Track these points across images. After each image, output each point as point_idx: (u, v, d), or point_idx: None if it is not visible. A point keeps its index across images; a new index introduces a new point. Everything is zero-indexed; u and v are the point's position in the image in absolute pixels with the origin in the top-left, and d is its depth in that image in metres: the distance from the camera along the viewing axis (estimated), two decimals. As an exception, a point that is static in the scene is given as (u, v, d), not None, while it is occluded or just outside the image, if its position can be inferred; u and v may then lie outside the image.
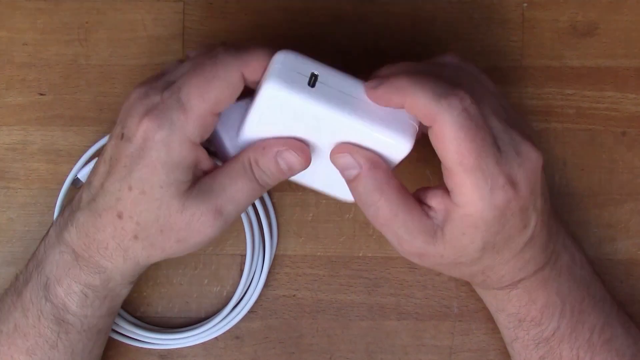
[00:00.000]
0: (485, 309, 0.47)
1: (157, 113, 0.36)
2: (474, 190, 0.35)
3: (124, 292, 0.42)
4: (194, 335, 0.46)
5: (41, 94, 0.47)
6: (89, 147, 0.46)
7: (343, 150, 0.37)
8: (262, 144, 0.38)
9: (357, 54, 0.47)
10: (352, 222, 0.47)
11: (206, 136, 0.38)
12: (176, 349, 0.47)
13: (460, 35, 0.47)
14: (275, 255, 0.47)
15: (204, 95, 0.36)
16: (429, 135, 0.36)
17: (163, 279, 0.47)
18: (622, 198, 0.47)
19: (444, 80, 0.35)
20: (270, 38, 0.47)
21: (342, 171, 0.38)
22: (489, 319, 0.47)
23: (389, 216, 0.37)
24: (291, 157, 0.38)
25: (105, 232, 0.39)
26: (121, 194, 0.38)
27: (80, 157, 0.46)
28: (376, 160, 0.37)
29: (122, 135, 0.38)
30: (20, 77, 0.47)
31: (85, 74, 0.47)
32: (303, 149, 0.38)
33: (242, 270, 0.47)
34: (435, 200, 0.37)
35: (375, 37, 0.47)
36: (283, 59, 0.36)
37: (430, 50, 0.47)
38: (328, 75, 0.36)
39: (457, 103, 0.34)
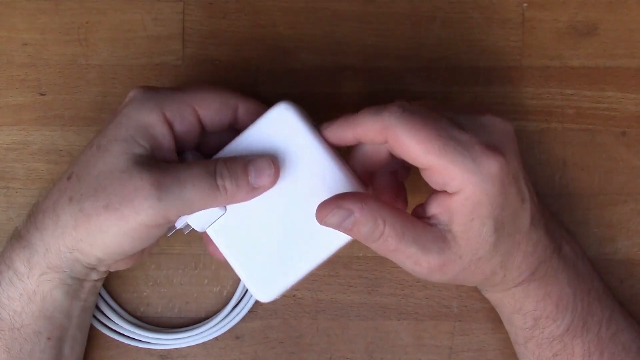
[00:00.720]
0: (485, 309, 0.47)
1: (149, 87, 0.39)
2: (458, 168, 0.35)
3: (58, 295, 0.40)
4: (194, 335, 0.46)
5: (41, 94, 0.47)
6: (89, 147, 0.46)
7: (330, 205, 0.36)
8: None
9: (357, 53, 0.47)
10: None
11: (178, 127, 0.39)
12: (176, 349, 0.47)
13: (460, 35, 0.47)
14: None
15: (196, 90, 0.39)
16: (393, 152, 0.36)
17: (163, 279, 0.47)
18: (622, 198, 0.47)
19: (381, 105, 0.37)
20: (270, 38, 0.47)
21: (338, 227, 0.36)
22: (489, 319, 0.47)
23: (397, 240, 0.36)
24: (264, 164, 0.37)
25: (51, 198, 0.39)
26: (81, 155, 0.39)
27: (80, 157, 0.46)
28: (362, 195, 0.37)
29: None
30: (20, 77, 0.47)
31: (85, 74, 0.47)
32: (275, 163, 0.38)
33: (242, 270, 0.47)
34: (433, 207, 0.37)
35: (375, 37, 0.47)
36: (288, 104, 0.38)
37: (430, 50, 0.47)
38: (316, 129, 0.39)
39: (396, 108, 0.36)
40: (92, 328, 0.46)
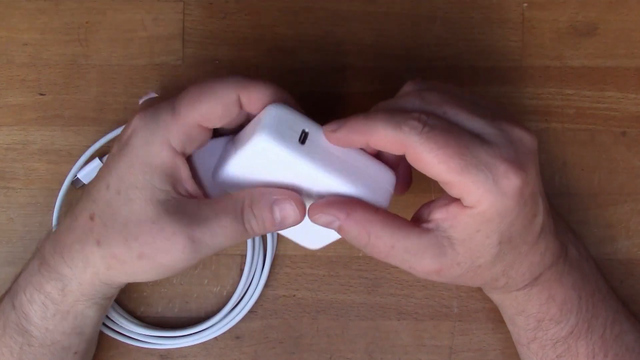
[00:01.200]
0: (485, 309, 0.47)
1: (149, 113, 0.37)
2: (478, 187, 0.34)
3: (90, 313, 0.40)
4: (194, 335, 0.46)
5: (41, 94, 0.47)
6: (89, 147, 0.46)
7: (317, 210, 0.36)
8: (260, 190, 0.38)
9: (357, 53, 0.47)
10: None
11: (189, 150, 0.38)
12: (176, 348, 0.47)
13: (460, 35, 0.47)
14: (275, 255, 0.47)
15: (195, 104, 0.37)
16: (409, 161, 0.35)
17: (163, 279, 0.47)
18: (622, 198, 0.47)
19: (398, 109, 0.35)
20: (270, 38, 0.47)
21: (327, 227, 0.37)
22: (489, 319, 0.47)
23: (387, 249, 0.36)
24: (288, 208, 0.37)
25: (74, 234, 0.38)
26: (98, 195, 0.38)
27: (80, 157, 0.46)
28: (352, 203, 0.36)
29: (119, 138, 0.38)
30: (20, 77, 0.47)
31: (85, 74, 0.47)
32: (301, 203, 0.37)
33: (242, 270, 0.47)
34: (438, 212, 0.36)
35: (375, 37, 0.47)
36: (276, 113, 0.36)
37: (430, 50, 0.47)
38: (317, 134, 0.37)
39: (416, 123, 0.34)
40: (92, 328, 0.46)
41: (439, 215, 0.36)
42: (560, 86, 0.47)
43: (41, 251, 0.40)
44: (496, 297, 0.43)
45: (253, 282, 0.47)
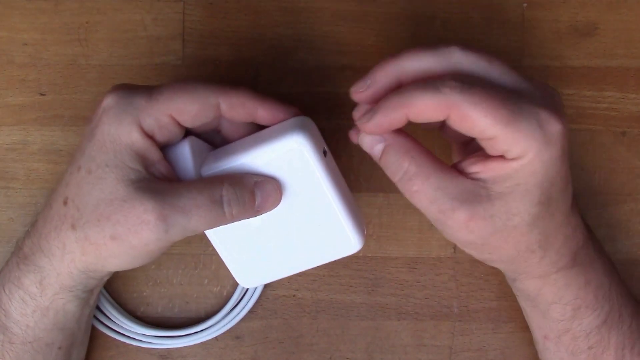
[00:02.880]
0: (485, 309, 0.47)
1: (121, 93, 0.38)
2: (525, 135, 0.33)
3: (71, 308, 0.40)
4: (194, 335, 0.46)
5: (41, 94, 0.47)
6: (89, 147, 0.46)
7: (364, 127, 0.36)
8: (240, 173, 0.37)
9: (357, 53, 0.47)
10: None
11: (157, 137, 0.37)
12: (176, 348, 0.47)
13: (459, 35, 0.47)
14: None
15: (173, 96, 0.37)
16: (450, 125, 0.34)
17: (163, 279, 0.47)
18: (622, 198, 0.47)
19: (429, 79, 0.35)
20: (270, 38, 0.47)
21: (371, 150, 0.36)
22: (489, 319, 0.47)
23: (421, 180, 0.35)
24: (270, 189, 0.37)
25: (51, 223, 0.38)
26: (70, 178, 0.38)
27: (80, 157, 0.46)
28: (400, 132, 0.36)
29: (90, 119, 0.39)
30: (20, 77, 0.47)
31: (85, 74, 0.47)
32: (279, 187, 0.37)
33: (242, 270, 0.47)
34: (476, 166, 0.35)
35: (375, 37, 0.47)
36: (309, 124, 0.38)
37: (430, 50, 0.47)
38: (331, 158, 0.39)
39: (455, 83, 0.33)
40: (92, 328, 0.46)
41: (478, 168, 0.35)
42: (560, 86, 0.47)
43: (20, 246, 0.40)
44: (532, 285, 0.40)
45: (253, 282, 0.47)
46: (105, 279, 0.41)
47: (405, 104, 0.34)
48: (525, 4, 0.47)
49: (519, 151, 0.34)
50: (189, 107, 0.37)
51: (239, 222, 0.38)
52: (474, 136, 0.34)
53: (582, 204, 0.47)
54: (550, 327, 0.41)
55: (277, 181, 0.37)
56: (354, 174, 0.47)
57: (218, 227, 0.38)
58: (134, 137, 0.37)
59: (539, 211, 0.35)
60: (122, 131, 0.37)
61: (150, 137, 0.37)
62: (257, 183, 0.37)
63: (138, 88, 0.38)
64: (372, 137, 0.36)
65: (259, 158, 0.37)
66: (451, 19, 0.47)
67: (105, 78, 0.47)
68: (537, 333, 0.43)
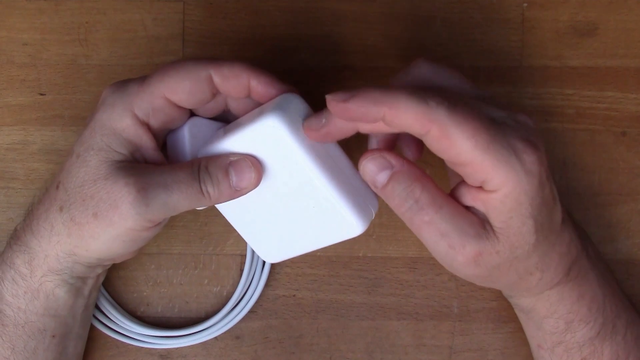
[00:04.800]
0: (485, 309, 0.47)
1: (118, 84, 0.39)
2: (503, 165, 0.32)
3: (61, 293, 0.40)
4: (194, 335, 0.46)
5: (41, 94, 0.47)
6: (89, 147, 0.46)
7: (371, 153, 0.35)
8: (219, 154, 0.37)
9: (357, 53, 0.47)
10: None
11: (154, 122, 0.38)
12: (176, 348, 0.47)
13: (460, 35, 0.47)
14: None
15: (164, 77, 0.37)
16: (428, 142, 0.33)
17: (163, 279, 0.47)
18: (622, 198, 0.47)
19: (416, 88, 0.34)
20: (270, 38, 0.47)
21: (374, 177, 0.35)
22: (489, 319, 0.47)
23: (434, 211, 0.34)
24: (244, 167, 0.36)
25: (43, 205, 0.39)
26: (65, 164, 0.39)
27: (80, 157, 0.46)
28: (406, 160, 0.35)
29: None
30: (20, 77, 0.47)
31: (85, 74, 0.47)
32: (257, 166, 0.36)
33: (242, 270, 0.47)
34: (467, 199, 0.35)
35: (375, 37, 0.47)
36: (292, 100, 0.37)
37: (430, 51, 0.47)
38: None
39: (440, 99, 0.32)
40: (92, 328, 0.46)
41: (471, 202, 0.35)
42: (560, 86, 0.47)
43: (16, 229, 0.41)
44: (526, 301, 0.41)
45: (253, 282, 0.47)
46: (99, 270, 0.41)
47: (388, 103, 0.32)
48: (525, 4, 0.47)
49: (498, 182, 0.33)
50: (181, 85, 0.37)
51: (246, 201, 0.38)
52: (446, 158, 0.34)
53: (582, 204, 0.47)
54: (544, 338, 0.42)
55: (255, 160, 0.36)
56: (354, 174, 0.47)
57: (230, 205, 0.39)
58: (125, 124, 0.37)
59: (537, 239, 0.35)
60: (113, 117, 0.37)
61: (144, 123, 0.38)
62: (231, 162, 0.37)
63: (133, 78, 0.39)
64: (378, 162, 0.35)
65: (240, 140, 0.37)
66: (451, 19, 0.47)
67: (105, 78, 0.47)
68: (532, 342, 0.43)
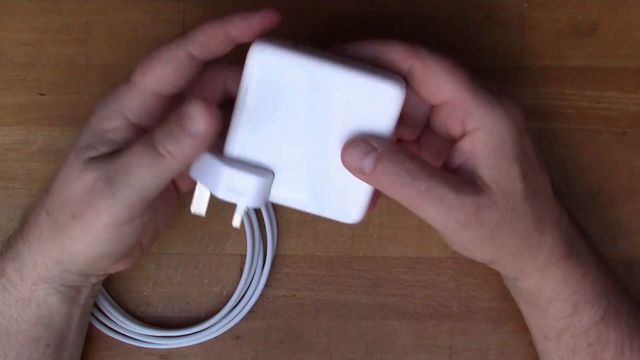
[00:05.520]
0: (485, 309, 0.47)
1: (110, 89, 0.37)
2: (481, 100, 0.35)
3: (53, 302, 0.39)
4: (194, 335, 0.46)
5: (41, 94, 0.47)
6: (89, 147, 0.46)
7: (351, 142, 0.35)
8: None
9: (357, 54, 0.47)
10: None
11: (149, 120, 0.36)
12: (176, 348, 0.47)
13: (460, 35, 0.47)
14: (275, 255, 0.47)
15: (146, 71, 0.35)
16: (412, 80, 0.37)
17: (163, 279, 0.47)
18: (622, 198, 0.47)
19: None
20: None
21: (360, 164, 0.35)
22: (489, 319, 0.47)
23: (428, 177, 0.34)
24: (194, 110, 0.33)
25: (34, 211, 0.39)
26: (57, 171, 0.38)
27: (80, 157, 0.46)
28: (384, 139, 0.35)
29: None
30: (20, 77, 0.47)
31: (85, 74, 0.47)
32: (208, 101, 0.33)
33: (242, 270, 0.47)
34: (455, 158, 0.36)
35: (375, 37, 0.47)
36: (263, 39, 0.35)
37: (430, 50, 0.47)
38: (308, 47, 0.37)
39: (427, 50, 0.37)
40: (92, 328, 0.46)
41: (459, 160, 0.36)
42: (560, 86, 0.47)
43: (10, 236, 0.41)
44: (533, 282, 0.40)
45: (253, 282, 0.47)
46: (93, 280, 0.41)
47: (380, 43, 0.37)
48: (525, 4, 0.47)
49: (478, 117, 0.35)
50: (165, 72, 0.35)
51: (292, 166, 0.36)
52: (428, 97, 0.36)
53: (582, 204, 0.47)
54: (550, 326, 0.41)
55: (203, 97, 0.33)
56: (354, 174, 0.47)
57: (281, 188, 0.36)
58: (114, 124, 0.36)
59: (526, 186, 0.36)
60: (102, 119, 0.36)
61: (135, 125, 0.36)
62: (181, 111, 0.33)
63: (121, 82, 0.37)
64: (361, 148, 0.35)
65: (245, 94, 0.35)
66: (451, 19, 0.47)
67: (105, 78, 0.47)
68: (537, 333, 0.43)
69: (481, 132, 0.36)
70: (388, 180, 0.34)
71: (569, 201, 0.47)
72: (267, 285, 0.47)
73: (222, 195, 0.35)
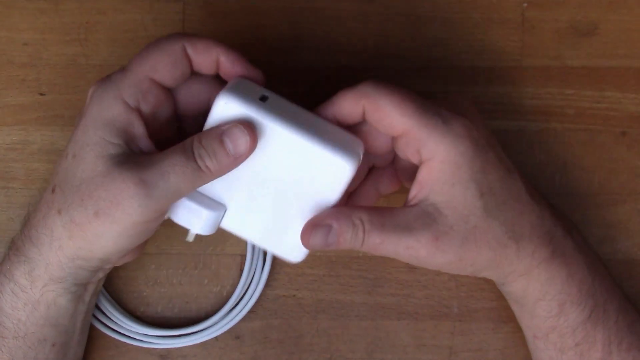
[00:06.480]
0: (485, 309, 0.47)
1: (104, 78, 0.39)
2: (431, 129, 0.36)
3: (63, 302, 0.39)
4: (194, 335, 0.46)
5: (41, 94, 0.47)
6: (89, 147, 0.46)
7: (308, 230, 0.38)
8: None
9: (357, 54, 0.47)
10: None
11: (144, 107, 0.38)
12: (176, 348, 0.47)
13: (460, 35, 0.47)
14: (275, 255, 0.47)
15: (142, 58, 0.38)
16: (368, 119, 0.38)
17: (163, 279, 0.47)
18: (622, 198, 0.47)
19: None
20: (270, 38, 0.47)
21: (326, 244, 0.37)
22: (489, 319, 0.47)
23: (379, 231, 0.37)
24: (238, 133, 0.36)
25: (40, 212, 0.38)
26: (59, 166, 0.38)
27: (80, 157, 0.46)
28: (334, 209, 0.38)
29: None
30: (20, 77, 0.47)
31: (85, 74, 0.47)
32: (250, 129, 0.36)
33: (242, 270, 0.47)
34: (413, 190, 0.38)
35: (375, 37, 0.47)
36: (236, 82, 0.38)
37: (430, 50, 0.47)
38: (277, 99, 0.38)
39: (369, 80, 0.38)
40: (92, 328, 0.46)
41: (414, 190, 0.37)
42: (560, 86, 0.47)
43: (14, 239, 0.40)
44: (519, 286, 0.40)
45: (253, 282, 0.47)
46: (100, 275, 0.41)
47: (330, 106, 0.39)
48: (525, 4, 0.47)
49: (431, 147, 0.36)
50: (160, 61, 0.38)
51: (244, 204, 0.39)
52: (384, 130, 0.38)
53: (582, 204, 0.47)
54: (538, 326, 0.42)
55: (247, 124, 0.36)
56: (354, 174, 0.47)
57: (233, 220, 0.39)
58: (116, 111, 0.37)
59: (487, 202, 0.37)
60: (103, 108, 0.37)
61: (135, 110, 0.38)
62: (224, 130, 0.36)
63: (116, 71, 0.39)
64: (320, 233, 0.37)
65: (207, 126, 0.38)
66: (451, 19, 0.47)
67: (105, 78, 0.47)
68: (527, 333, 0.43)
69: (435, 161, 0.37)
70: (351, 245, 0.37)
71: (569, 201, 0.47)
72: (267, 285, 0.47)
73: (177, 220, 0.39)
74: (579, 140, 0.47)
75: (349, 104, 0.38)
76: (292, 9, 0.47)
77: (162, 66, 0.38)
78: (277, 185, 0.38)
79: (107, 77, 0.39)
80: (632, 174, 0.47)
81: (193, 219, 0.39)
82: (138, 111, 0.38)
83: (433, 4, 0.47)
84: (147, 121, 0.38)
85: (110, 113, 0.37)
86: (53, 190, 0.38)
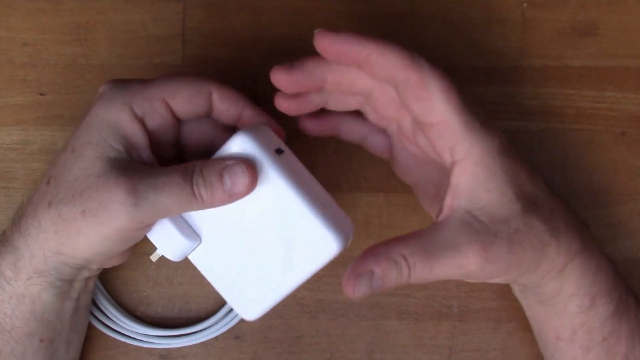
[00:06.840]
0: (485, 309, 0.47)
1: (118, 80, 0.39)
2: (471, 128, 0.35)
3: (47, 297, 0.39)
4: (194, 335, 0.46)
5: (41, 94, 0.47)
6: (89, 147, 0.46)
7: (351, 280, 0.35)
8: (214, 158, 0.37)
9: (357, 54, 0.47)
10: (352, 222, 0.47)
11: (149, 122, 0.38)
12: (176, 348, 0.47)
13: (460, 35, 0.47)
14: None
15: (166, 82, 0.38)
16: (404, 92, 0.36)
17: (163, 279, 0.47)
18: (622, 198, 0.47)
19: None
20: (270, 38, 0.47)
21: (372, 290, 0.35)
22: (489, 319, 0.47)
23: (427, 261, 0.35)
24: (239, 172, 0.36)
25: (32, 203, 0.38)
26: (57, 159, 0.38)
27: (80, 157, 0.46)
28: (368, 249, 0.36)
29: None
30: (20, 77, 0.47)
31: (85, 74, 0.47)
32: (252, 171, 0.36)
33: (242, 270, 0.47)
34: (447, 199, 0.36)
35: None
36: (261, 127, 0.38)
37: (430, 50, 0.47)
38: (292, 157, 0.38)
39: (427, 63, 0.36)
40: (92, 328, 0.46)
41: (450, 198, 0.36)
42: (560, 86, 0.47)
43: (4, 231, 0.40)
44: (554, 284, 0.39)
45: (253, 282, 0.47)
46: (86, 274, 0.40)
47: (375, 42, 0.35)
48: (525, 4, 0.47)
49: (467, 146, 0.35)
50: (182, 92, 0.38)
51: (223, 245, 0.38)
52: (418, 112, 0.36)
53: (582, 204, 0.47)
54: (565, 325, 0.41)
55: (250, 165, 0.36)
56: (354, 173, 0.47)
57: (203, 256, 0.38)
58: (122, 118, 0.37)
59: (524, 205, 0.36)
60: (111, 111, 0.37)
61: (139, 120, 0.38)
62: (226, 166, 0.36)
63: (135, 79, 0.39)
64: (366, 280, 0.35)
65: (217, 155, 0.38)
66: (451, 19, 0.47)
67: (105, 78, 0.47)
68: (549, 335, 0.42)
69: (469, 163, 0.35)
70: (397, 284, 0.35)
71: (569, 201, 0.47)
72: (267, 285, 0.47)
73: (150, 236, 0.38)
74: (579, 140, 0.47)
75: (396, 62, 0.35)
76: (292, 9, 0.47)
77: (181, 97, 0.38)
78: (257, 238, 0.37)
79: (123, 81, 0.39)
80: (632, 174, 0.47)
81: (166, 240, 0.38)
82: (142, 122, 0.38)
83: (433, 4, 0.47)
84: (150, 136, 0.39)
85: (116, 117, 0.37)
86: (48, 182, 0.38)
